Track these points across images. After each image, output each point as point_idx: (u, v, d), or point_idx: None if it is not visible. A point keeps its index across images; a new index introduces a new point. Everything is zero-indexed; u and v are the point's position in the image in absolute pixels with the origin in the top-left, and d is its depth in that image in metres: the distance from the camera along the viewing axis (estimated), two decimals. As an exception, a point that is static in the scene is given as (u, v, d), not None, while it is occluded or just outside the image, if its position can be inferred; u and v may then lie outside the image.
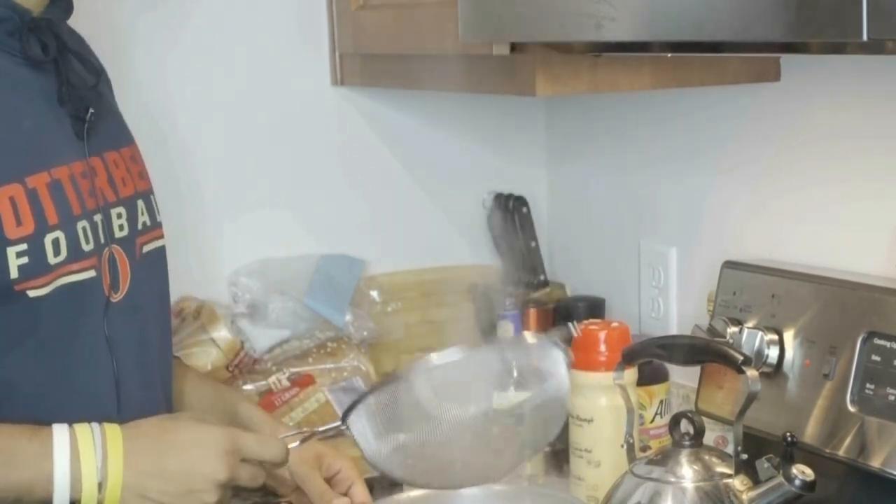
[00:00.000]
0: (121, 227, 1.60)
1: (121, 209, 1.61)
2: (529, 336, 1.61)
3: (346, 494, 1.72)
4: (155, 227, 1.68)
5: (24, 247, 1.47)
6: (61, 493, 1.45)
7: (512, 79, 1.88)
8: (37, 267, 1.48)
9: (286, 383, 2.21)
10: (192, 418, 1.57)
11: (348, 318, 2.28)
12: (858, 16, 1.20)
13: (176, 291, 2.22)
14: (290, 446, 1.58)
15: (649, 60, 1.89)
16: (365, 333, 2.30)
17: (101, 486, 1.46)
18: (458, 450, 1.55)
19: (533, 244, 2.40)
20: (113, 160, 1.62)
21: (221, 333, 2.19)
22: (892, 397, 1.64)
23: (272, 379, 2.20)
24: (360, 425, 1.55)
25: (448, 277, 2.42)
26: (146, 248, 1.65)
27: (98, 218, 1.56)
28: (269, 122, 2.30)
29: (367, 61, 2.26)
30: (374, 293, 2.36)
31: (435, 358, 1.53)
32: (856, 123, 1.84)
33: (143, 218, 1.65)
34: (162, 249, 1.69)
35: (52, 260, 1.49)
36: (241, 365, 2.22)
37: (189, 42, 2.24)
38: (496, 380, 1.55)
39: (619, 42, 1.62)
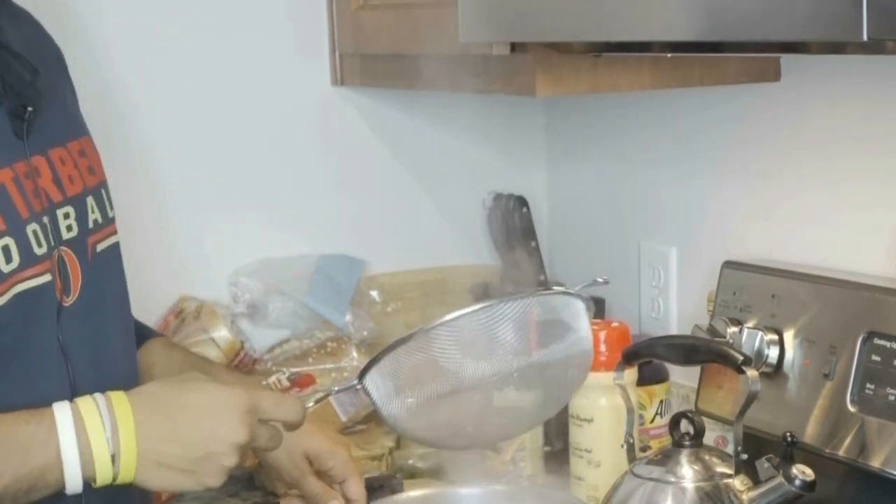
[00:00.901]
0: (69, 228, 1.53)
1: (68, 209, 1.53)
2: (553, 288, 1.55)
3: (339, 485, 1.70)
4: (107, 223, 1.60)
5: None
6: (72, 471, 1.37)
7: (512, 79, 1.88)
8: None
9: (286, 383, 2.21)
10: (201, 378, 1.50)
11: (348, 318, 2.28)
12: (858, 16, 1.20)
13: (176, 291, 2.24)
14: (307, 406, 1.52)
15: (649, 60, 1.89)
16: (365, 333, 2.30)
17: (114, 458, 1.38)
18: (475, 409, 1.50)
19: (533, 244, 2.40)
20: (59, 157, 1.54)
21: (221, 333, 2.19)
22: (892, 397, 1.64)
23: (272, 379, 2.20)
24: (376, 385, 1.50)
25: (448, 277, 2.41)
26: (100, 247, 1.58)
27: (46, 220, 1.49)
28: (269, 122, 2.30)
29: (367, 61, 2.26)
30: (374, 293, 2.36)
31: (453, 313, 1.47)
32: (856, 123, 1.84)
33: (94, 215, 1.57)
34: (116, 246, 1.62)
35: (4, 268, 1.43)
36: (241, 365, 2.22)
37: (190, 41, 2.24)
38: (516, 334, 1.48)
39: (619, 42, 1.62)
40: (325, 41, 2.31)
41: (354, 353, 2.25)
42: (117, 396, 1.42)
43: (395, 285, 2.38)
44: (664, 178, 2.18)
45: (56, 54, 1.69)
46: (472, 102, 2.31)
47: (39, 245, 1.47)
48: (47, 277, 1.48)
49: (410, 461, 2.04)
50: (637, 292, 2.24)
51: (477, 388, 1.48)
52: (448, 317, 1.47)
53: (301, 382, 2.21)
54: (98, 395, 1.42)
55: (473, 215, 2.44)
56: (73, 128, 1.61)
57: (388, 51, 2.14)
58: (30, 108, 1.50)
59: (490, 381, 1.49)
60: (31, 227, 1.47)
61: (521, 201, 2.40)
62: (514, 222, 2.39)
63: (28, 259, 1.46)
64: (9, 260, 1.44)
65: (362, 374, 1.51)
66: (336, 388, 1.55)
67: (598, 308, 2.27)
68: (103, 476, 1.39)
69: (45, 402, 1.44)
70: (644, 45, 1.71)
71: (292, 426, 1.52)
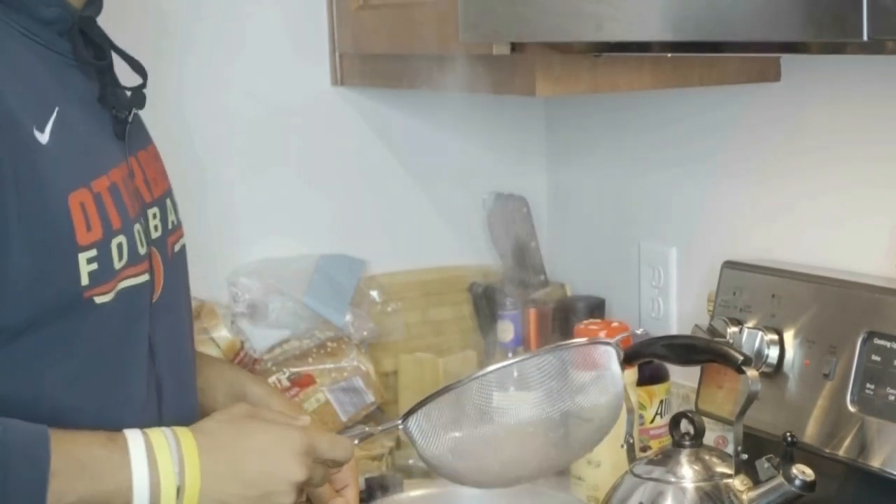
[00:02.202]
0: (155, 228, 1.57)
1: (155, 209, 1.58)
2: (580, 340, 1.60)
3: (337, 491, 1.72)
4: (179, 225, 1.65)
5: (93, 252, 1.43)
6: (141, 499, 1.40)
7: (512, 79, 1.88)
8: (105, 273, 1.45)
9: (286, 383, 2.21)
10: (258, 418, 1.53)
11: (348, 318, 2.28)
12: (858, 16, 1.20)
13: (176, 291, 2.24)
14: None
15: (649, 60, 1.89)
16: (365, 333, 2.30)
17: (179, 491, 1.42)
18: (515, 449, 1.54)
19: (533, 244, 2.40)
20: (144, 159, 1.59)
21: (221, 333, 2.19)
22: (892, 397, 1.64)
23: (272, 379, 2.21)
24: (417, 426, 1.54)
25: (448, 277, 2.42)
26: (176, 248, 1.63)
27: (143, 220, 1.53)
28: (268, 122, 2.30)
29: (367, 61, 2.26)
30: (374, 293, 2.36)
31: (491, 366, 1.53)
32: (856, 123, 1.84)
33: (172, 217, 1.62)
34: (185, 248, 1.67)
35: (116, 265, 1.46)
36: (241, 365, 2.22)
37: (189, 41, 2.24)
38: (553, 382, 1.53)
39: (619, 42, 1.62)
40: (325, 41, 2.31)
41: (354, 353, 2.26)
42: (183, 433, 1.46)
43: (395, 285, 2.38)
44: (664, 177, 2.18)
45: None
46: (472, 102, 2.31)
47: (142, 244, 1.51)
48: (146, 277, 1.51)
49: (410, 461, 2.04)
50: (637, 292, 2.24)
51: (516, 431, 1.53)
52: (493, 367, 1.52)
53: (301, 382, 2.22)
54: (166, 430, 1.46)
55: (473, 215, 2.44)
56: (148, 133, 1.66)
57: (388, 51, 2.14)
58: (136, 111, 1.56)
59: (530, 425, 1.53)
60: (136, 227, 1.50)
61: (521, 201, 2.40)
62: (514, 222, 2.39)
63: (133, 258, 1.49)
64: (120, 258, 1.47)
65: (406, 416, 1.55)
66: (380, 428, 1.61)
67: (598, 308, 2.27)
68: None
69: (133, 401, 1.49)
70: (644, 45, 1.71)
71: (341, 464, 1.58)
